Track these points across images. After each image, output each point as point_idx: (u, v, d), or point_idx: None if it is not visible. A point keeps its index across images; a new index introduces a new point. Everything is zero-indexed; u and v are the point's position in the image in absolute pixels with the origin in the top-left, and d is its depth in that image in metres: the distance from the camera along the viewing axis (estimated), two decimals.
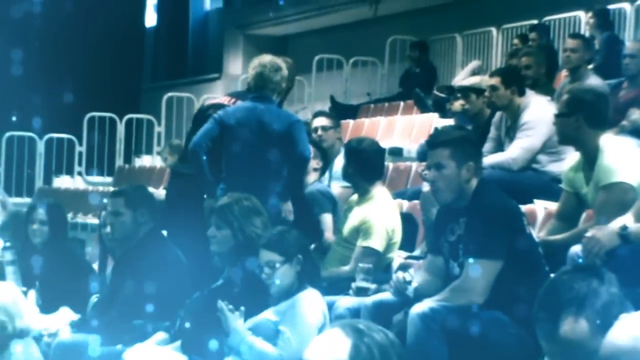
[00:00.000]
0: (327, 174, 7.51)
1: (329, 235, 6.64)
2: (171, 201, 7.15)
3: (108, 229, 6.33)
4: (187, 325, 5.24)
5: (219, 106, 6.97)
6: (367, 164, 6.24)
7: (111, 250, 6.59)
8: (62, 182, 15.09)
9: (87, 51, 16.85)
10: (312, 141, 7.07)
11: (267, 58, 6.64)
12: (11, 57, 14.53)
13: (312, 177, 6.81)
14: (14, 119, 15.01)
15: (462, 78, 9.87)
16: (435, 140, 4.98)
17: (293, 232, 5.22)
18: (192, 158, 6.59)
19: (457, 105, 7.88)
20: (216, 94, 14.34)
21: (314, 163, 6.77)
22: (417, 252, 6.44)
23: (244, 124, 6.53)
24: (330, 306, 5.31)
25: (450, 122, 8.31)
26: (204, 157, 6.52)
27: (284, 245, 5.03)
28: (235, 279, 5.25)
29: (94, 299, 6.42)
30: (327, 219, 6.69)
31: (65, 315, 6.36)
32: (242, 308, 4.92)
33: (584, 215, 5.42)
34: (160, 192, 9.15)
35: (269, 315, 4.99)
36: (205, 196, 6.56)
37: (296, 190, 6.59)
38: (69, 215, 10.68)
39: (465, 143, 4.94)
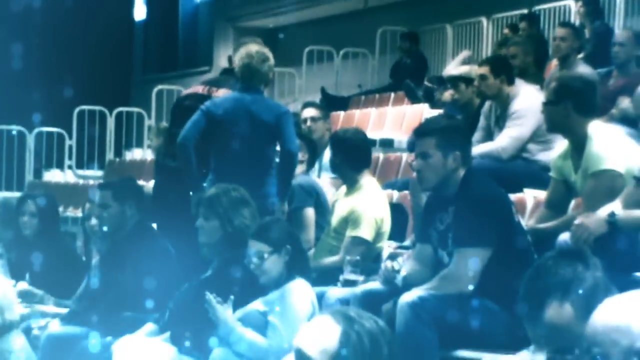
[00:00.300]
0: (317, 165, 7.49)
1: (310, 231, 6.56)
2: (158, 194, 7.10)
3: (92, 222, 6.31)
4: (188, 335, 5.18)
5: (195, 96, 6.92)
6: (353, 152, 6.23)
7: (96, 243, 6.57)
8: (53, 176, 15.07)
9: (77, 44, 16.81)
10: (299, 133, 7.03)
11: (254, 48, 6.59)
12: (9, 51, 14.51)
13: (298, 169, 6.76)
14: (14, 128, 14.94)
15: (453, 68, 9.86)
16: (422, 130, 4.98)
17: (282, 222, 5.21)
18: (181, 153, 6.46)
19: (447, 95, 7.87)
20: None
21: (300, 155, 6.72)
22: (407, 242, 6.43)
23: (232, 114, 6.48)
24: (321, 296, 5.30)
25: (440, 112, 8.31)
26: (193, 152, 6.44)
27: (272, 235, 5.02)
28: (235, 274, 5.21)
29: (79, 290, 6.41)
30: (308, 213, 6.61)
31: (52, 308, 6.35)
32: (232, 297, 4.91)
33: (572, 203, 5.42)
34: (150, 185, 9.13)
35: (258, 305, 4.99)
36: (190, 193, 6.49)
37: (286, 187, 6.52)
38: (60, 209, 10.65)
39: (452, 132, 4.93)
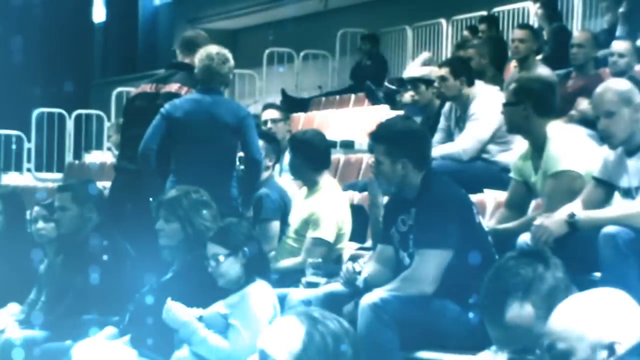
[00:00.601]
0: (277, 167, 7.45)
1: (273, 243, 6.48)
2: (115, 196, 6.99)
3: (39, 225, 6.31)
4: (148, 338, 5.14)
5: (144, 95, 6.87)
6: (312, 153, 6.21)
7: (43, 246, 6.50)
8: (11, 179, 14.92)
9: (35, 46, 16.66)
10: (264, 134, 6.99)
11: (214, 49, 6.56)
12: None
13: (264, 174, 6.70)
14: None
15: (413, 70, 9.88)
16: (374, 136, 4.99)
17: (242, 224, 5.18)
18: (143, 160, 6.39)
19: (407, 96, 7.89)
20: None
21: (266, 161, 6.67)
22: (368, 244, 6.43)
23: (192, 116, 6.43)
24: (283, 298, 5.29)
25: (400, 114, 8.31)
26: (155, 159, 6.37)
27: (229, 238, 4.99)
28: (196, 277, 5.17)
29: (31, 296, 6.37)
30: (274, 226, 6.48)
31: (13, 311, 6.30)
32: (168, 297, 4.87)
33: (532, 204, 5.44)
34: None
35: (219, 308, 4.97)
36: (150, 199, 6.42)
37: (250, 194, 6.47)
38: None
39: (401, 139, 4.86)
